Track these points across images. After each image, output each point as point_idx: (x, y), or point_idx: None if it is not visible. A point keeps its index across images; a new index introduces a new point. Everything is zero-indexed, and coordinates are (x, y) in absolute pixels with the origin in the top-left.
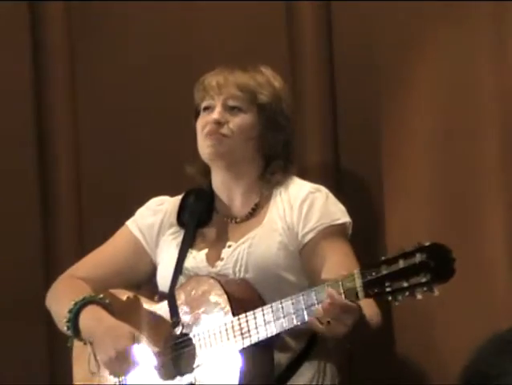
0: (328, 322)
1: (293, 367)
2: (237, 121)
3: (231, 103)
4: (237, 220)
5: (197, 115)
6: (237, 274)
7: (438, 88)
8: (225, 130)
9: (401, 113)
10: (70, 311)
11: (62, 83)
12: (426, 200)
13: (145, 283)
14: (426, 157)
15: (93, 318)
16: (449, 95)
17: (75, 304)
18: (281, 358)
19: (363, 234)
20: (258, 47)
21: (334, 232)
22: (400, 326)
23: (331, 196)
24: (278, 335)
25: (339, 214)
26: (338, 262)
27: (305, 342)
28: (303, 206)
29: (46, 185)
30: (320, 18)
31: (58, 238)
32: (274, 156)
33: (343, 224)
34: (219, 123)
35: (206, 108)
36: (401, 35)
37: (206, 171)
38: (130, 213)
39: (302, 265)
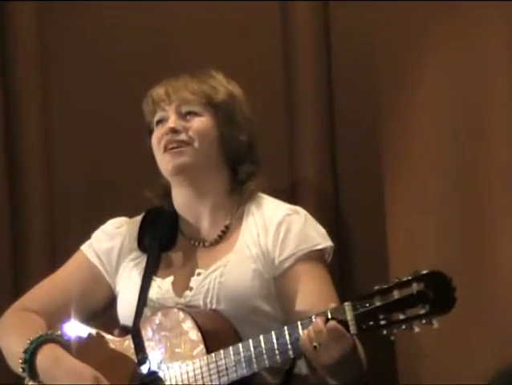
0: (315, 346)
1: None
2: (194, 126)
3: (185, 108)
4: (206, 243)
5: (150, 133)
6: (208, 306)
7: (443, 90)
8: (183, 136)
9: (403, 117)
10: (25, 351)
11: (33, 90)
12: (432, 210)
13: (102, 314)
14: (431, 164)
15: (51, 359)
16: (456, 97)
17: (31, 342)
18: None
19: (364, 259)
20: (252, 49)
21: (313, 258)
22: (403, 358)
23: (310, 219)
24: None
25: (319, 238)
26: (315, 291)
27: (282, 378)
28: (280, 230)
29: (16, 197)
30: (317, 19)
31: (29, 250)
32: (240, 160)
33: (323, 250)
34: (175, 132)
35: (159, 122)
36: (402, 35)
37: (166, 192)
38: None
39: (277, 293)
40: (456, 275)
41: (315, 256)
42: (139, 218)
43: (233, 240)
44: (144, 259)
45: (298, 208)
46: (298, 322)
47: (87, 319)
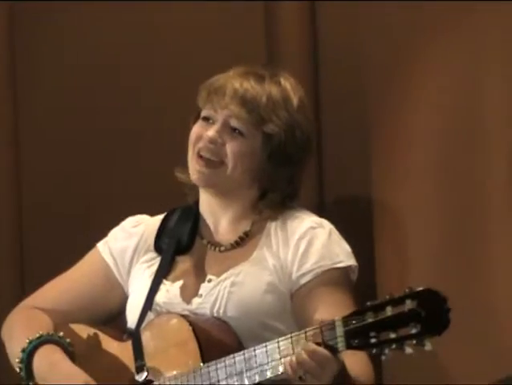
0: (300, 377)
1: None
2: (234, 146)
3: (233, 123)
4: (222, 248)
5: (196, 117)
6: (215, 315)
7: (432, 93)
8: (218, 152)
9: (394, 123)
10: (23, 351)
11: (3, 91)
12: (422, 229)
13: (114, 317)
14: (423, 176)
15: (47, 362)
16: (446, 98)
17: (30, 342)
18: None
19: None
20: (236, 50)
21: (334, 276)
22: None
23: (336, 234)
24: None
25: (342, 256)
26: (332, 314)
27: None
28: (301, 243)
29: None
30: (303, 19)
31: None
32: (273, 190)
33: (346, 268)
34: (214, 143)
35: (206, 118)
36: (390, 36)
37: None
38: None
39: (293, 311)
40: (446, 289)
41: (337, 274)
42: (160, 217)
43: (251, 248)
44: (157, 261)
45: (325, 222)
46: (290, 336)
47: (100, 321)
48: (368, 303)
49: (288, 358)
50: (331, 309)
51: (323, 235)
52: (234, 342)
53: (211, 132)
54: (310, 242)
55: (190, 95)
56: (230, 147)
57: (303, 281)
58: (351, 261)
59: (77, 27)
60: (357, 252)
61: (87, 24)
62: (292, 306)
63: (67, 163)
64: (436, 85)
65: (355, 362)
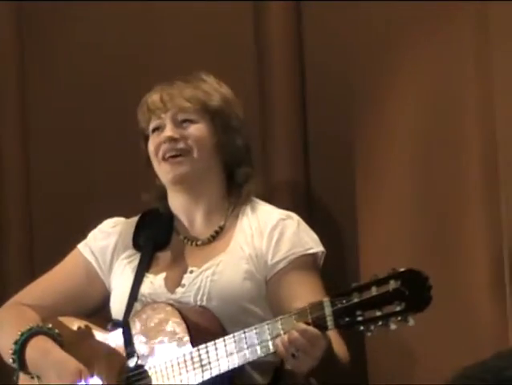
0: (293, 354)
1: None
2: (192, 133)
3: (181, 116)
4: (198, 242)
5: (145, 139)
6: (199, 303)
7: (416, 100)
8: (181, 145)
9: (377, 125)
10: (16, 342)
11: (12, 90)
12: (403, 222)
13: (97, 311)
14: (403, 177)
15: (39, 351)
16: (427, 102)
17: (22, 334)
18: None
19: (336, 260)
20: (225, 51)
21: (305, 262)
22: (373, 358)
23: (303, 224)
24: (243, 370)
25: (312, 243)
26: (306, 295)
27: (271, 378)
28: (274, 233)
29: None
30: (289, 20)
31: (8, 259)
32: (237, 164)
33: (315, 254)
34: (174, 140)
35: (155, 129)
36: (375, 36)
37: (162, 194)
38: (82, 234)
39: (268, 296)
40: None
41: (308, 260)
42: (135, 219)
43: (227, 240)
44: (137, 257)
45: (292, 214)
46: (279, 318)
47: (84, 314)
48: (354, 284)
49: (279, 338)
50: (304, 289)
51: (292, 225)
52: (219, 328)
53: (167, 132)
54: (281, 232)
55: None
56: (190, 136)
57: (278, 267)
58: (319, 248)
59: (86, 26)
60: (342, 240)
61: (96, 23)
62: (268, 291)
63: (74, 160)
64: (416, 87)
65: (333, 342)
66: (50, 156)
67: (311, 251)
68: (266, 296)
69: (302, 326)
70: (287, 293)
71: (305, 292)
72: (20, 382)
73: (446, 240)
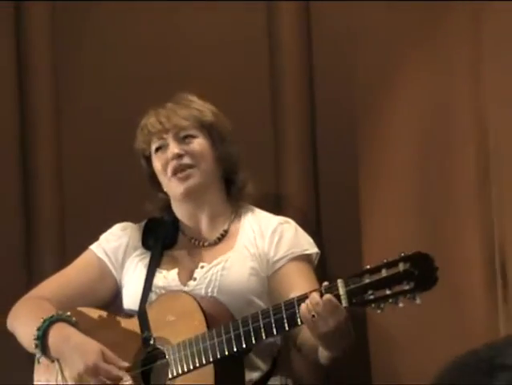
0: (313, 315)
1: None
2: (195, 148)
3: (182, 133)
4: (206, 244)
5: (147, 159)
6: (209, 294)
7: (417, 109)
8: (187, 160)
9: (379, 130)
10: (38, 329)
11: (46, 94)
12: (402, 224)
13: (107, 306)
14: (403, 182)
15: (61, 336)
16: (427, 111)
17: (44, 322)
18: (250, 376)
19: (340, 258)
20: (239, 51)
21: (303, 260)
22: (374, 342)
23: (299, 229)
24: (247, 355)
25: (308, 245)
26: (304, 288)
27: (271, 363)
28: (274, 235)
29: (30, 200)
30: (299, 19)
31: (41, 248)
32: (235, 170)
33: (311, 255)
34: (180, 156)
35: (159, 149)
36: (382, 42)
37: (166, 204)
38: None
39: (270, 290)
40: None
41: (304, 259)
42: (142, 224)
43: (232, 241)
44: (148, 255)
45: (289, 220)
46: (295, 298)
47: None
48: (366, 267)
49: (303, 304)
50: (302, 280)
51: (291, 229)
52: (228, 314)
53: (173, 150)
54: (281, 235)
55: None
56: (193, 150)
57: (279, 264)
58: (314, 250)
59: (117, 27)
60: (344, 242)
61: (128, 23)
62: (269, 287)
63: (105, 161)
64: (416, 91)
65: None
66: (82, 155)
67: (308, 252)
68: (268, 292)
69: (329, 296)
70: (288, 287)
71: (303, 282)
72: (38, 366)
73: (442, 240)
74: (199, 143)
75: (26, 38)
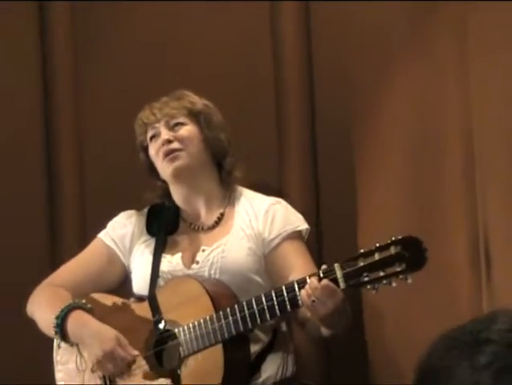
0: (313, 300)
1: (262, 357)
2: (183, 133)
3: (173, 121)
4: (205, 228)
5: (145, 149)
6: (212, 276)
7: (409, 108)
8: (176, 145)
9: (373, 128)
10: (57, 317)
11: (68, 93)
12: (395, 211)
13: (116, 290)
14: (396, 175)
15: (79, 323)
16: (418, 109)
17: (62, 310)
18: (253, 348)
19: (337, 246)
20: (242, 50)
21: (295, 237)
22: (369, 318)
23: (290, 207)
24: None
25: (299, 222)
26: (299, 264)
27: (271, 335)
28: (268, 216)
29: (53, 195)
30: (299, 19)
31: (64, 238)
32: (223, 155)
33: (302, 231)
34: (169, 142)
35: (152, 137)
36: (372, 42)
37: (165, 192)
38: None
39: (268, 268)
40: None
41: (297, 235)
42: (145, 210)
43: (229, 225)
44: (153, 242)
45: (280, 199)
46: (295, 281)
47: (105, 292)
48: (360, 251)
49: (303, 290)
50: (297, 257)
51: (282, 208)
52: (232, 295)
53: (163, 136)
54: (274, 214)
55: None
56: (182, 136)
57: (275, 242)
58: (305, 226)
59: (138, 26)
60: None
61: (148, 23)
62: (266, 264)
63: (127, 162)
64: (410, 92)
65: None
66: (103, 155)
67: (299, 228)
68: (265, 269)
69: (326, 281)
70: (283, 264)
71: (299, 261)
72: (57, 350)
73: (431, 225)
74: (187, 130)
75: (49, 38)
